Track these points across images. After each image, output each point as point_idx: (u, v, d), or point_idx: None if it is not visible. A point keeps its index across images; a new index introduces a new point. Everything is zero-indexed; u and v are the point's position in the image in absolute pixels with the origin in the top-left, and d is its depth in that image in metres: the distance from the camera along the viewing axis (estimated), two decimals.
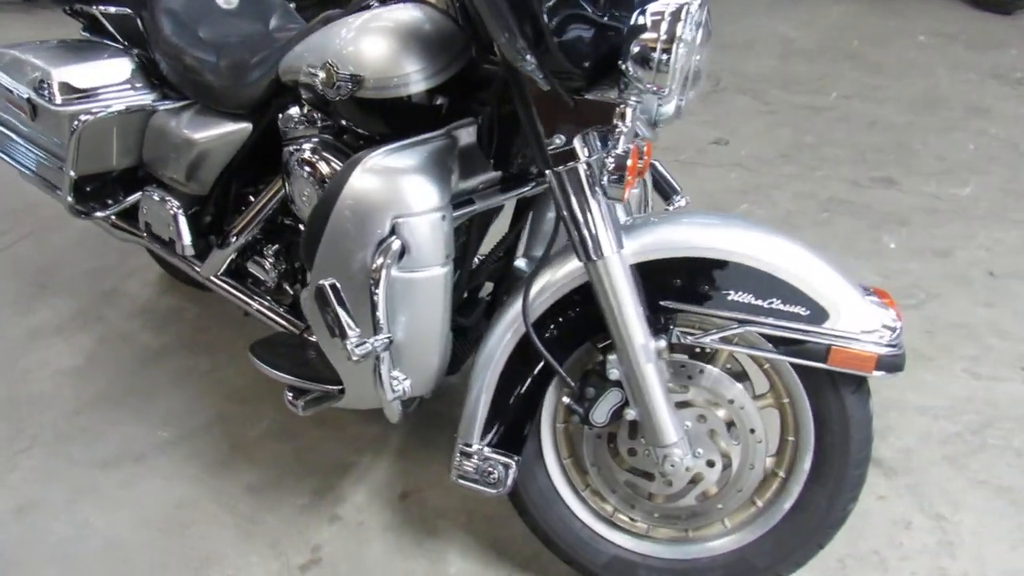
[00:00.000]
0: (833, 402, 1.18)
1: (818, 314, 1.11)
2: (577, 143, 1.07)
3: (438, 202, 1.16)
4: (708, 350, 1.23)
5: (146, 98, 1.77)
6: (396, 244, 1.14)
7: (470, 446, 1.27)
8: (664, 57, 0.94)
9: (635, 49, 0.95)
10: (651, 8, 0.96)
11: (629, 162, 1.00)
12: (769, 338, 1.14)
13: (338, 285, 1.15)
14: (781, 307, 1.12)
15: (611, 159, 1.01)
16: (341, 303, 1.14)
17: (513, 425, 1.27)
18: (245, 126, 1.62)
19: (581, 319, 1.20)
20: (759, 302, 1.13)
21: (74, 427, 1.89)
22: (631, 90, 1.00)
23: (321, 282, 1.15)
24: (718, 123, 3.15)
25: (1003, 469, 1.56)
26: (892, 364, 1.11)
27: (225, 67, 1.64)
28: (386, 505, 1.62)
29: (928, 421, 1.68)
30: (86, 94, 1.72)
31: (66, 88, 1.70)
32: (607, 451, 1.28)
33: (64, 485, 1.73)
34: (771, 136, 3.01)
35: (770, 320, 1.13)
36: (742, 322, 1.13)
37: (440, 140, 1.23)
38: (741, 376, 1.29)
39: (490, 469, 1.26)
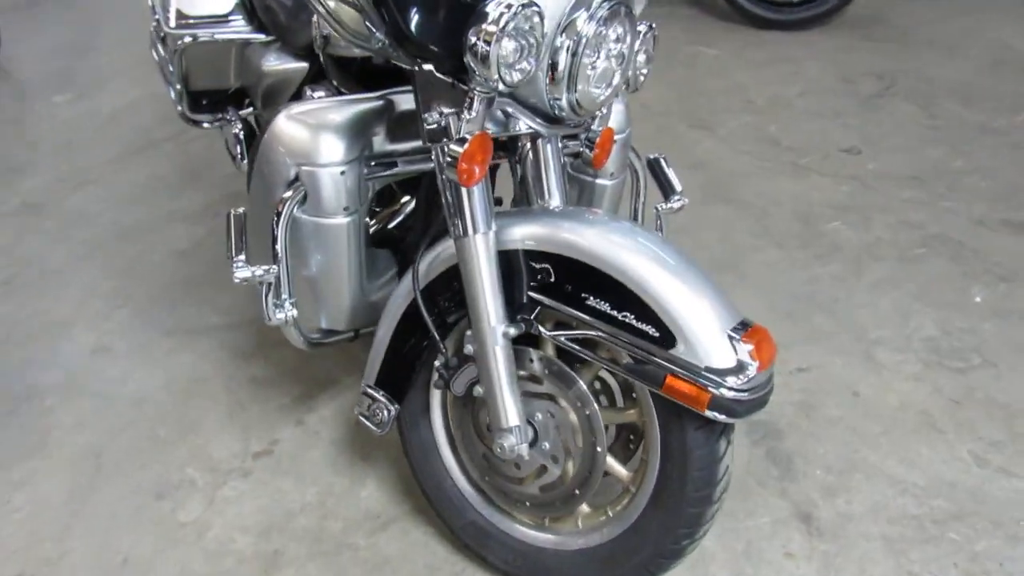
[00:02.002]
0: (676, 432, 1.14)
1: (666, 339, 1.07)
2: (452, 122, 1.12)
3: (341, 158, 1.25)
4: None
5: (242, 31, 2.03)
6: (300, 189, 1.26)
7: (369, 387, 1.39)
8: (485, 49, 0.95)
9: (471, 39, 0.97)
10: None
11: (467, 147, 1.03)
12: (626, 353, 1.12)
13: (244, 215, 1.30)
14: (633, 323, 1.10)
15: (454, 144, 1.04)
16: (239, 231, 1.29)
17: (401, 376, 1.36)
18: (303, 65, 1.82)
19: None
20: (613, 312, 1.11)
21: (160, 298, 2.28)
22: (475, 79, 1.02)
23: (231, 210, 1.31)
24: (863, 129, 2.83)
25: (946, 569, 1.35)
26: (728, 408, 1.05)
27: (293, 10, 1.84)
28: (343, 424, 1.80)
29: (893, 495, 1.49)
30: (193, 21, 2.02)
31: (179, 14, 2.01)
32: (471, 423, 1.33)
33: (132, 340, 2.12)
34: (915, 153, 2.66)
35: (618, 332, 1.10)
36: (591, 328, 1.12)
37: (372, 102, 1.31)
38: (626, 388, 1.28)
39: (377, 411, 1.37)
